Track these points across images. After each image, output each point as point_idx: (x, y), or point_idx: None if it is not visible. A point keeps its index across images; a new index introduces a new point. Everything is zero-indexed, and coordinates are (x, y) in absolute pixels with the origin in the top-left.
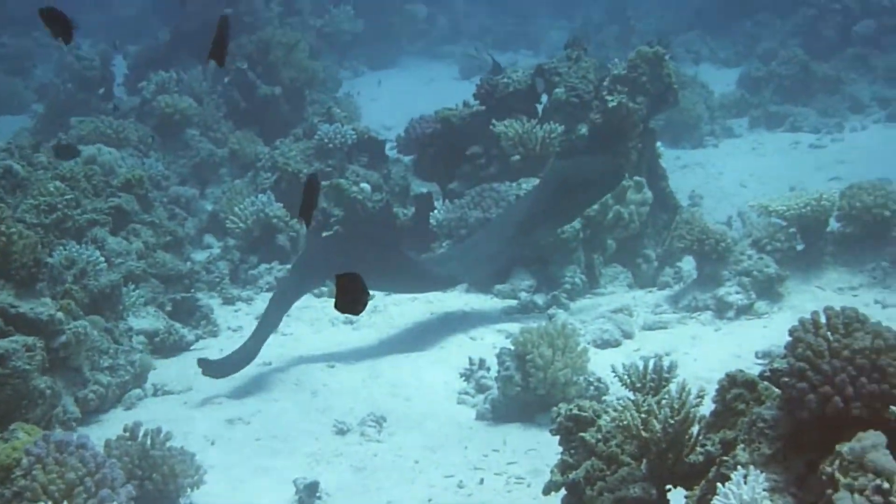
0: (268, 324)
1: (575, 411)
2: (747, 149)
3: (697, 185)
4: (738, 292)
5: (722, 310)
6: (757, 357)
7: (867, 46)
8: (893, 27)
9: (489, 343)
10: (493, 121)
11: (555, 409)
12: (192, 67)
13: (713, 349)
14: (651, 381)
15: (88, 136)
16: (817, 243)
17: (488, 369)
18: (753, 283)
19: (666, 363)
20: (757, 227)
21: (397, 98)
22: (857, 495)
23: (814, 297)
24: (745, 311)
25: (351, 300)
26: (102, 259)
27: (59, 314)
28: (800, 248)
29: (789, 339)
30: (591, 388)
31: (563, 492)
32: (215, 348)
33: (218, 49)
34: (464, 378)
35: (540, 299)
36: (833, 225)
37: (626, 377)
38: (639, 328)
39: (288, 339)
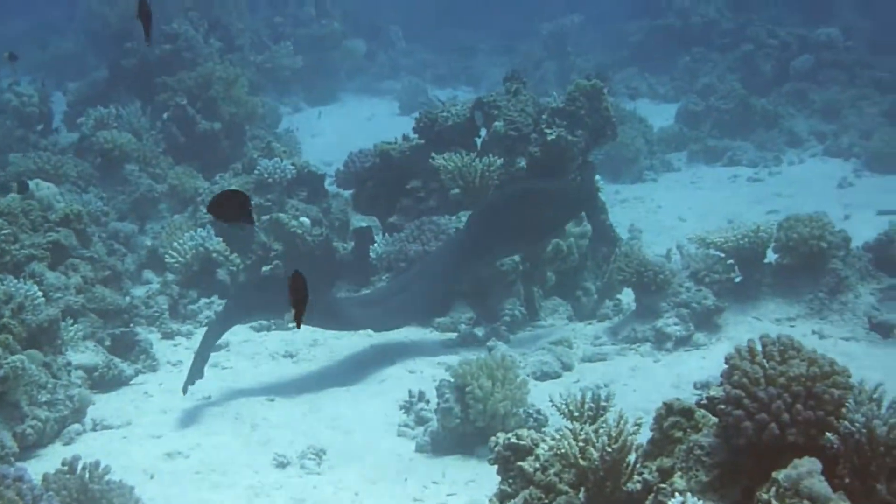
0: (199, 355)
1: (513, 440)
2: (686, 182)
3: (637, 218)
4: (676, 324)
5: (661, 341)
6: (695, 388)
7: (805, 81)
8: (831, 62)
9: (429, 375)
10: (433, 154)
11: (493, 438)
12: (131, 103)
13: (652, 380)
14: (589, 410)
15: (27, 172)
16: (755, 275)
17: (428, 402)
18: (692, 314)
19: (604, 393)
20: (695, 259)
21: (337, 134)
22: None
23: (751, 327)
24: (683, 342)
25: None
26: (40, 294)
27: None
28: (738, 279)
29: (725, 366)
30: (531, 419)
31: None
32: (154, 383)
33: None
34: (403, 410)
35: (479, 332)
36: (771, 256)
37: (564, 407)
38: (578, 360)
39: (228, 373)
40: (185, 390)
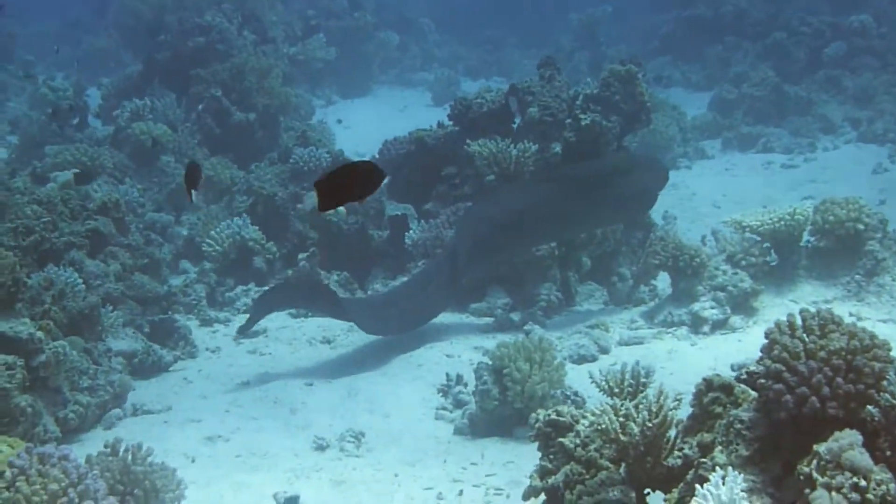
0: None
1: (553, 416)
2: (720, 170)
3: (671, 205)
4: (713, 307)
5: (697, 325)
6: (733, 370)
7: (838, 68)
8: (864, 49)
9: (466, 360)
10: (468, 141)
11: (533, 415)
12: (166, 96)
13: (689, 363)
14: (629, 386)
15: (64, 164)
16: (791, 257)
17: (465, 385)
18: (728, 297)
19: (643, 367)
20: (731, 242)
21: (370, 125)
22: (834, 493)
23: (788, 310)
24: (720, 325)
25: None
26: (81, 281)
27: (39, 333)
28: (774, 262)
29: (765, 341)
30: (569, 401)
31: (542, 496)
32: (194, 369)
33: None
34: (441, 394)
35: (516, 316)
36: (806, 239)
37: (603, 382)
38: (615, 344)
39: (266, 359)
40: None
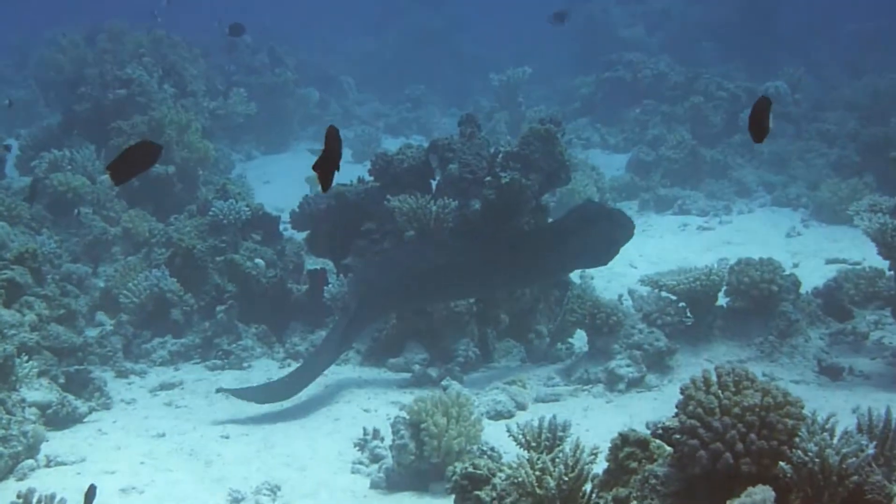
0: (317, 365)
1: (470, 469)
2: (637, 231)
3: None
4: (628, 365)
5: (613, 382)
6: (647, 428)
7: None
8: (778, 115)
9: (383, 414)
10: (388, 196)
11: (450, 467)
12: (85, 148)
13: (605, 420)
14: (546, 440)
15: None
16: (707, 317)
17: (382, 439)
18: (644, 356)
19: (560, 421)
20: (647, 301)
21: (291, 180)
22: None
23: (702, 370)
24: (635, 383)
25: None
26: None
27: None
28: (689, 322)
29: (681, 397)
30: (485, 457)
31: None
32: (108, 420)
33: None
34: (358, 448)
35: (433, 372)
36: (722, 300)
37: (521, 436)
38: (532, 400)
39: (182, 411)
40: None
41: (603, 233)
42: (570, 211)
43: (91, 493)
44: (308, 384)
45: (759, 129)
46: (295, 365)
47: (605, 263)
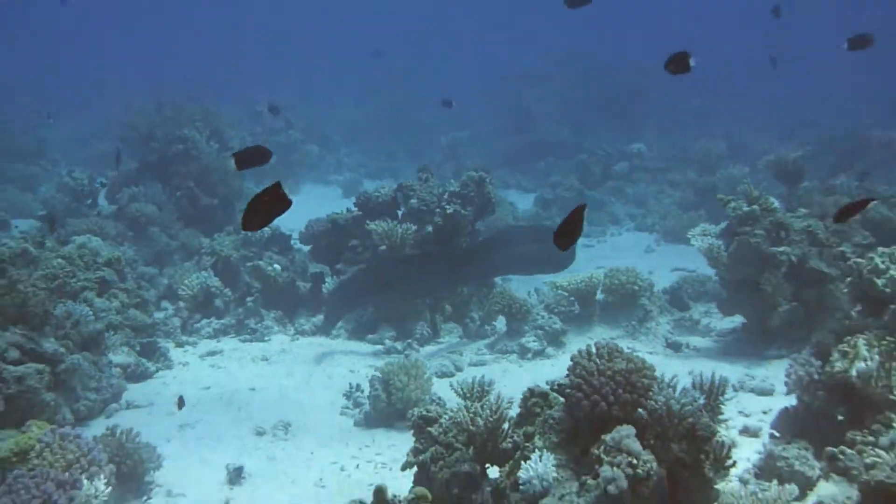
0: None
1: (424, 412)
2: None
3: None
4: (535, 341)
5: (524, 353)
6: (547, 385)
7: (621, 180)
8: (639, 167)
9: (363, 374)
10: (368, 221)
11: (410, 411)
12: (154, 185)
13: (518, 379)
14: (476, 392)
15: (79, 231)
16: (589, 308)
17: (362, 391)
18: (545, 334)
19: (487, 379)
20: (548, 296)
21: (299, 210)
22: (615, 468)
23: (586, 344)
24: (539, 354)
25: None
26: (91, 313)
27: (61, 349)
28: (577, 311)
29: (571, 363)
30: (434, 404)
31: (415, 469)
32: (170, 377)
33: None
34: (345, 397)
35: (399, 345)
36: (600, 296)
37: (459, 389)
38: (467, 365)
39: (221, 371)
40: None
41: (525, 248)
42: (493, 233)
43: (181, 401)
44: None
45: (566, 236)
46: (303, 339)
47: (562, 268)
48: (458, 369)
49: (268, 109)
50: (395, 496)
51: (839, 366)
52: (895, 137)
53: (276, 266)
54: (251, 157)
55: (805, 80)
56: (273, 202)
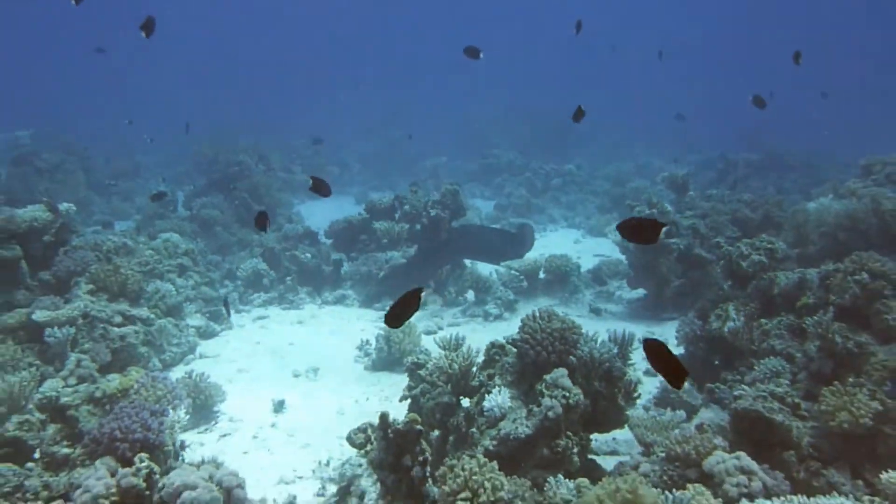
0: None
1: (415, 360)
2: None
3: None
4: (495, 308)
5: (487, 317)
6: (504, 339)
7: (558, 191)
8: (571, 181)
9: (371, 332)
10: (374, 222)
11: (406, 359)
12: (217, 196)
13: (482, 336)
14: (453, 344)
15: (165, 229)
16: (534, 283)
17: (370, 344)
18: (503, 303)
19: (460, 336)
20: (504, 276)
21: (324, 214)
22: (553, 399)
23: (532, 310)
24: (498, 317)
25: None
26: (173, 289)
27: (152, 315)
28: (526, 286)
29: (521, 324)
30: (423, 354)
31: (409, 401)
32: (231, 336)
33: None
34: (358, 349)
35: None
36: (542, 275)
37: (440, 342)
38: (446, 325)
39: (268, 331)
40: None
41: (489, 241)
42: (463, 228)
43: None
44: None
45: (397, 318)
46: (327, 307)
47: (521, 256)
48: (440, 328)
49: (312, 142)
50: (394, 420)
51: (715, 325)
52: (753, 159)
53: (307, 255)
54: (319, 186)
55: (693, 119)
56: (412, 304)
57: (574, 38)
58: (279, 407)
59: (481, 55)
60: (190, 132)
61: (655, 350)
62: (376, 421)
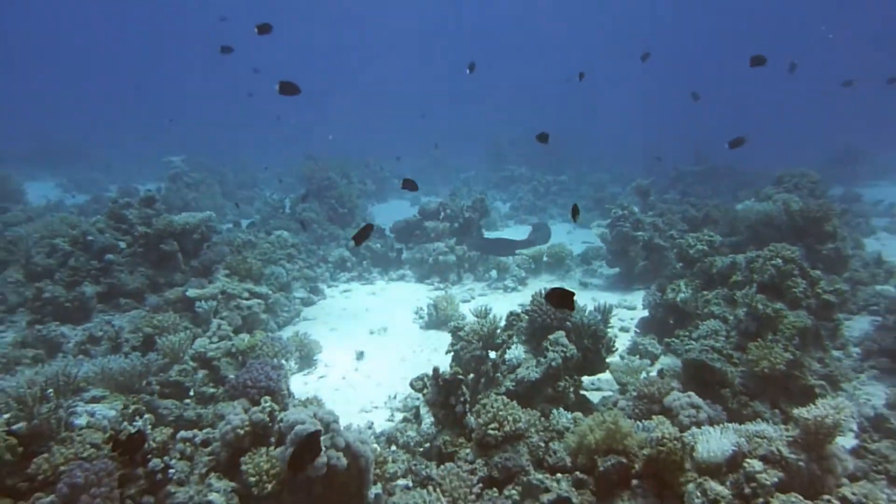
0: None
1: (455, 324)
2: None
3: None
4: (512, 282)
5: (507, 290)
6: (520, 307)
7: (554, 196)
8: (564, 188)
9: (424, 300)
10: (425, 222)
11: (450, 324)
12: (314, 202)
13: (504, 304)
14: (482, 312)
15: (277, 227)
16: (539, 265)
17: (424, 310)
18: (517, 279)
19: (488, 307)
20: (518, 260)
21: (387, 215)
22: (555, 353)
23: (539, 285)
24: (514, 289)
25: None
26: (284, 272)
27: (268, 290)
28: (533, 266)
29: (531, 298)
30: (461, 319)
31: (451, 354)
32: (325, 304)
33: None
34: (415, 313)
35: (441, 285)
36: (545, 258)
37: (473, 311)
38: (476, 296)
39: (351, 300)
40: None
41: (507, 247)
42: (496, 241)
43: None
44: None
45: (297, 466)
46: (393, 283)
47: (546, 242)
48: (472, 298)
49: (396, 159)
50: (443, 371)
51: (671, 295)
52: (697, 170)
53: (378, 244)
54: (409, 184)
55: (654, 139)
56: (367, 232)
57: (569, 73)
58: (360, 356)
59: (469, 71)
60: (297, 153)
61: (556, 296)
62: (428, 370)
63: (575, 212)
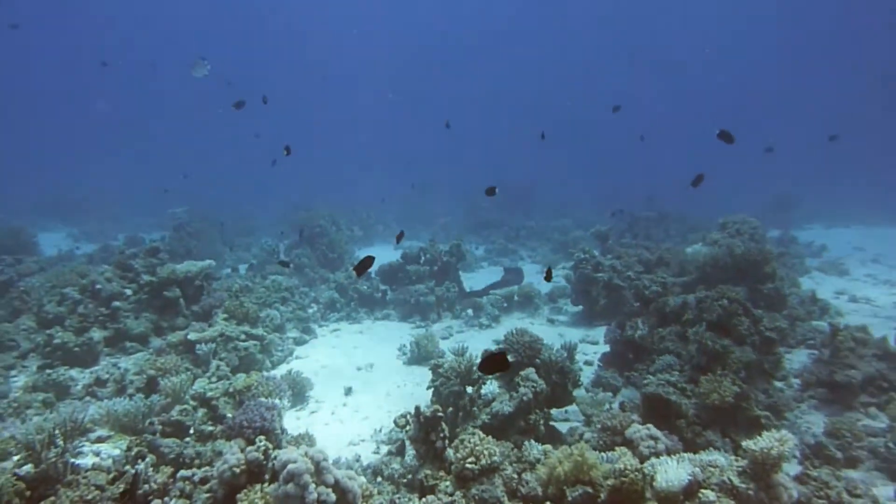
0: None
1: (436, 362)
2: (486, 273)
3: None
4: (486, 320)
5: (482, 327)
6: (495, 343)
7: (524, 239)
8: (532, 232)
9: (407, 338)
10: (407, 266)
11: (431, 361)
12: (306, 248)
13: (480, 340)
14: (460, 351)
15: (273, 271)
16: (511, 303)
17: (407, 347)
18: (491, 317)
19: (465, 345)
20: (492, 299)
21: (375, 259)
22: (526, 388)
23: (512, 324)
24: (488, 327)
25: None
26: (277, 314)
27: (264, 332)
28: (506, 305)
29: (504, 337)
30: (441, 355)
31: (432, 389)
32: (316, 343)
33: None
34: (399, 350)
35: (423, 324)
36: (516, 298)
37: (450, 349)
38: (455, 332)
39: (340, 339)
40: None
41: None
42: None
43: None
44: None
45: None
46: (378, 322)
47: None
48: (451, 335)
49: (381, 200)
50: (424, 409)
51: (629, 332)
52: (650, 215)
53: (364, 286)
54: (364, 265)
55: (611, 185)
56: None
57: (541, 129)
58: (348, 391)
59: (447, 125)
60: (285, 202)
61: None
62: (411, 404)
63: (549, 275)
